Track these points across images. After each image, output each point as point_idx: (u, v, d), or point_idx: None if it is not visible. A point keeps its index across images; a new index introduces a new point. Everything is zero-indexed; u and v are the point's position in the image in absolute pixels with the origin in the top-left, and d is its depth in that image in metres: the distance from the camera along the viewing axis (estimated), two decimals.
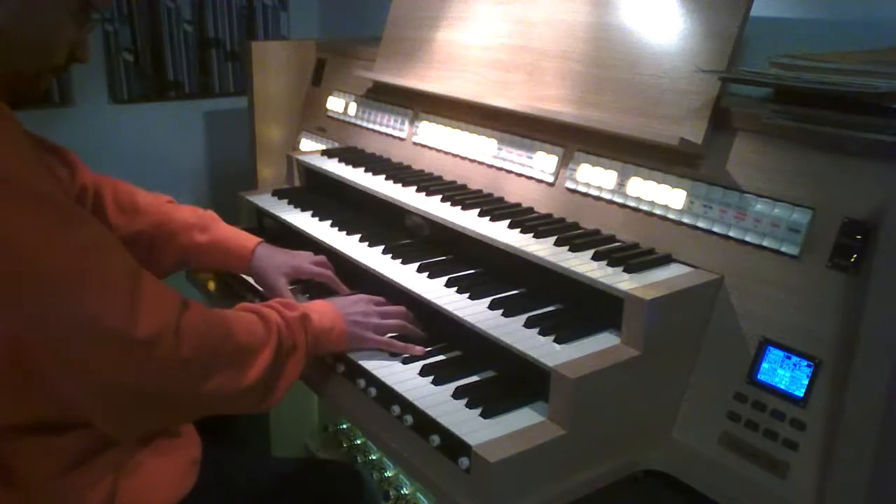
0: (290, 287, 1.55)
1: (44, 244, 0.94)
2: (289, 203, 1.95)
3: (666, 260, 1.36)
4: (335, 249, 1.65)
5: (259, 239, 1.62)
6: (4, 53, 1.05)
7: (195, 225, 1.56)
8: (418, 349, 1.37)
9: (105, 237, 1.02)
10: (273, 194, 2.03)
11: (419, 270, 1.51)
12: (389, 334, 1.39)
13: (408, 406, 1.24)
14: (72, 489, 1.10)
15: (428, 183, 1.77)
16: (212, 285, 1.80)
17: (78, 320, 0.94)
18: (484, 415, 1.19)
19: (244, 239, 1.61)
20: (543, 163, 1.64)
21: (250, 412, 1.19)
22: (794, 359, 1.19)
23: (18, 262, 0.93)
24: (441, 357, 1.38)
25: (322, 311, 1.32)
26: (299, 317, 1.25)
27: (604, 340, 1.26)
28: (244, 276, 1.67)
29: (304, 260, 1.60)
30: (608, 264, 1.33)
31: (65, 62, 1.14)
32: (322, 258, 1.62)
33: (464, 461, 1.12)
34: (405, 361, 1.35)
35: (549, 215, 1.59)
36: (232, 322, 1.11)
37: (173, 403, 1.04)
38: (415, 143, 1.99)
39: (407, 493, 1.98)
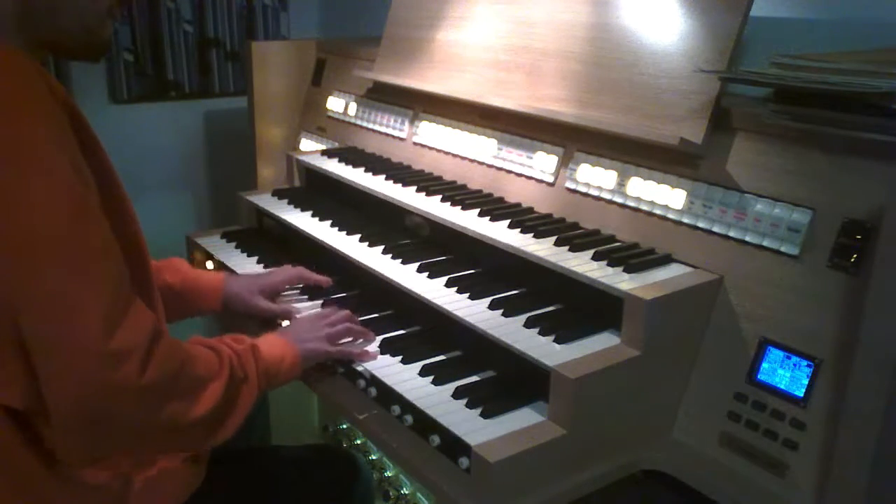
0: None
1: (52, 231, 0.96)
2: (289, 203, 1.95)
3: (666, 260, 1.36)
4: (335, 249, 1.65)
5: (224, 272, 1.65)
6: (53, 8, 1.07)
7: (164, 267, 1.54)
8: (371, 353, 1.38)
9: (110, 244, 1.02)
10: (273, 194, 2.03)
11: (419, 270, 1.51)
12: (342, 340, 1.40)
13: (408, 406, 1.24)
14: (90, 478, 1.12)
15: (428, 183, 1.77)
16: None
17: (61, 318, 0.94)
18: (484, 415, 1.20)
19: (211, 274, 1.63)
20: (543, 163, 1.64)
21: (202, 447, 1.18)
22: (794, 359, 1.19)
23: (21, 239, 0.94)
24: (441, 357, 1.38)
25: (271, 341, 1.31)
26: (249, 348, 1.24)
27: (604, 340, 1.26)
28: None
29: (276, 274, 1.61)
30: (608, 264, 1.33)
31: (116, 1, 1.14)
32: (296, 271, 1.63)
33: (464, 461, 1.12)
34: (405, 361, 1.35)
35: (549, 215, 1.59)
36: (190, 354, 1.10)
37: (128, 428, 1.02)
38: (415, 143, 1.99)
39: (407, 493, 1.98)
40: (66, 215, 0.97)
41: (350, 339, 1.42)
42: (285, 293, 1.64)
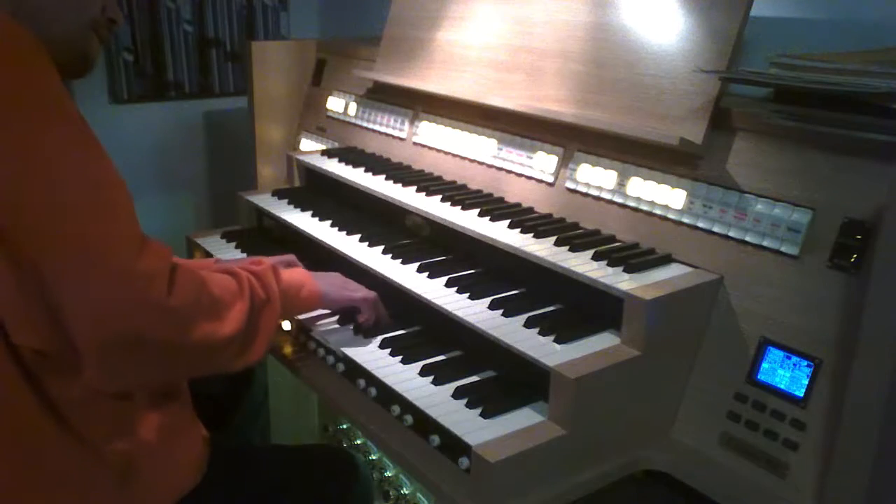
0: None
1: (72, 168, 0.99)
2: (289, 203, 1.95)
3: (666, 260, 1.36)
4: (335, 249, 1.65)
5: None
6: (35, 15, 1.09)
7: None
8: (385, 317, 1.46)
9: (121, 181, 1.06)
10: (273, 194, 2.03)
11: (419, 270, 1.51)
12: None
13: (408, 406, 1.24)
14: (101, 443, 1.13)
15: (428, 183, 1.77)
16: None
17: (86, 245, 0.97)
18: (484, 415, 1.19)
19: None
20: (543, 163, 1.64)
21: (236, 367, 1.20)
22: (794, 359, 1.19)
23: (40, 181, 0.97)
24: (441, 357, 1.38)
25: (292, 270, 1.37)
26: (269, 268, 1.28)
27: (604, 340, 1.26)
28: None
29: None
30: (608, 264, 1.33)
31: (101, 17, 1.17)
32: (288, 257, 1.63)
33: (464, 461, 1.12)
34: (405, 361, 1.35)
35: (549, 215, 1.59)
36: (206, 278, 1.14)
37: (161, 350, 1.05)
38: (415, 143, 1.99)
39: (407, 493, 1.98)
40: (81, 151, 1.01)
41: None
42: None
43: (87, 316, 0.97)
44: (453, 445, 1.15)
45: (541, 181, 1.64)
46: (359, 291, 1.45)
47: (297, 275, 1.36)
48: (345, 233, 1.72)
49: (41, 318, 1.00)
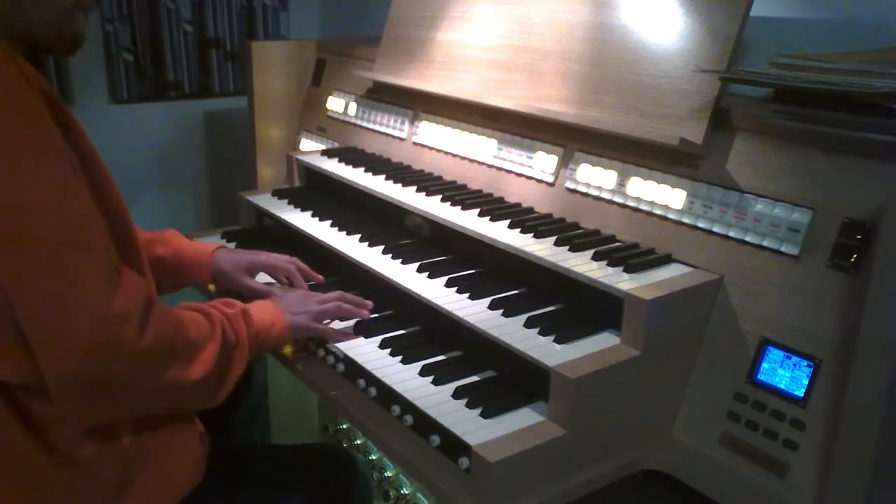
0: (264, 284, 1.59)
1: (40, 205, 0.97)
2: (289, 203, 1.95)
3: (666, 260, 1.36)
4: (335, 249, 1.65)
5: (218, 244, 1.65)
6: (15, 4, 1.06)
7: (156, 240, 1.55)
8: (350, 335, 1.44)
9: (93, 213, 1.04)
10: (273, 194, 2.03)
11: (419, 270, 1.51)
12: (328, 320, 1.46)
13: (408, 406, 1.24)
14: (90, 465, 1.12)
15: (428, 183, 1.77)
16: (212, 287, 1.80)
17: (58, 284, 0.96)
18: (484, 415, 1.20)
19: (203, 246, 1.63)
20: (543, 163, 1.64)
21: (200, 408, 1.20)
22: (794, 359, 1.19)
23: (12, 218, 0.95)
24: (441, 357, 1.38)
25: (262, 308, 1.35)
26: (239, 313, 1.27)
27: (604, 340, 1.26)
28: None
29: (267, 255, 1.61)
30: (608, 264, 1.33)
31: None
32: (290, 259, 1.63)
33: (464, 461, 1.12)
34: (405, 361, 1.35)
35: (549, 215, 1.59)
36: (182, 318, 1.13)
37: (129, 391, 1.04)
38: (415, 143, 1.99)
39: (407, 493, 1.98)
40: (45, 188, 0.98)
41: (336, 318, 1.47)
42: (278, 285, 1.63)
43: (57, 352, 0.96)
44: (453, 445, 1.15)
45: (541, 181, 1.64)
46: (319, 317, 1.42)
47: (266, 315, 1.34)
48: (345, 233, 1.72)
49: (12, 351, 0.99)
